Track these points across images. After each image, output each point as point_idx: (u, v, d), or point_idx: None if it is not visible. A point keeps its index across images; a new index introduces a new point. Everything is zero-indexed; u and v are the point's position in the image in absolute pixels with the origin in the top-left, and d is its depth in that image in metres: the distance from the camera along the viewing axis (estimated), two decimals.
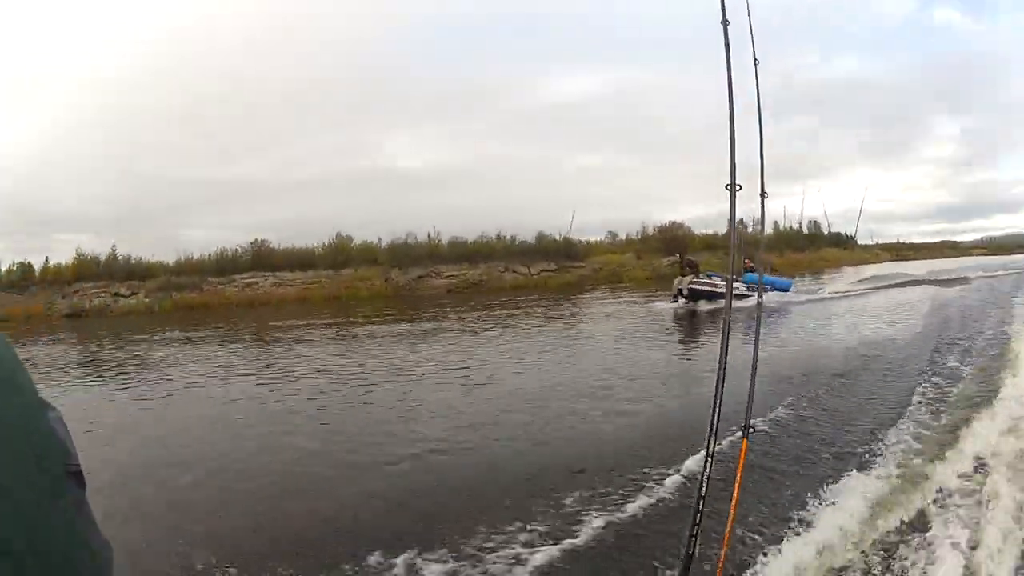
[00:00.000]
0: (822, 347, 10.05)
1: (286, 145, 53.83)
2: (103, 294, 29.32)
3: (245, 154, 52.00)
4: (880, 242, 44.04)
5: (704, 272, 17.61)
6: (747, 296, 15.03)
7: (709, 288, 16.52)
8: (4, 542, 0.36)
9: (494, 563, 3.12)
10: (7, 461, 0.39)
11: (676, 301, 16.78)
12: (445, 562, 3.20)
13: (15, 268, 35.09)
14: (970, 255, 38.66)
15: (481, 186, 48.79)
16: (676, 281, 17.46)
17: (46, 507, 0.40)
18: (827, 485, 3.80)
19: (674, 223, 33.43)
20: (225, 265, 29.48)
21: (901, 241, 47.54)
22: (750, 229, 35.54)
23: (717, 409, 1.77)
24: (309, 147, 51.98)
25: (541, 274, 30.01)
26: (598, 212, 56.02)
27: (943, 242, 50.23)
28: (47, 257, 35.11)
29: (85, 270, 31.31)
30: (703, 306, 16.10)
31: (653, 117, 56.82)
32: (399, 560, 3.23)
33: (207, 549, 3.50)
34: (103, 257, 30.97)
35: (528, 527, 3.46)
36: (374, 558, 3.30)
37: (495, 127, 52.16)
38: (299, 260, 29.66)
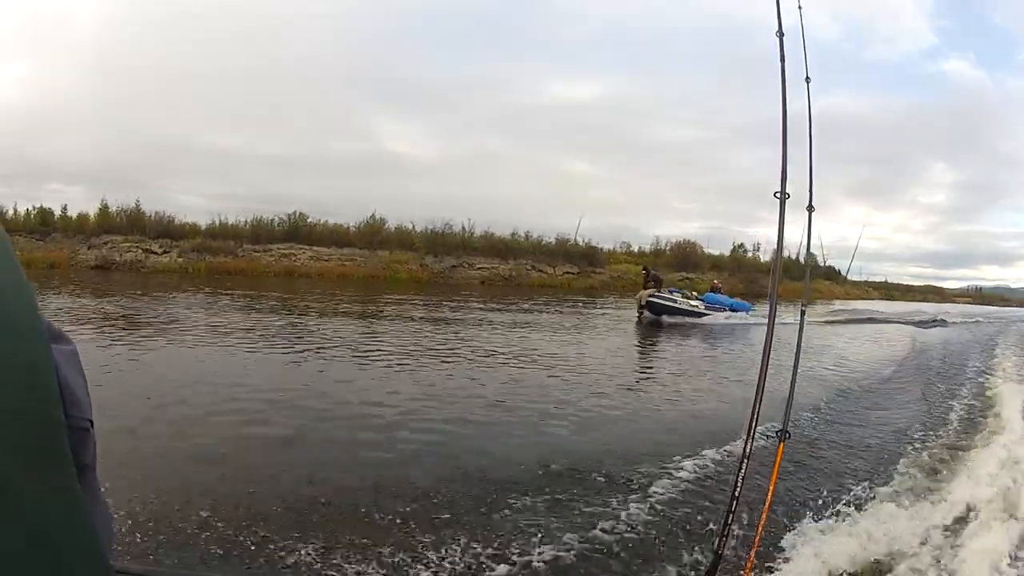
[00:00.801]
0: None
1: (285, 120, 54.09)
2: (134, 249, 29.38)
3: (241, 126, 51.98)
4: (869, 279, 47.54)
5: (666, 287, 18.19)
6: (705, 314, 17.08)
7: (668, 303, 16.97)
8: None
9: (518, 548, 3.10)
10: None
11: (641, 314, 17.18)
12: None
13: (34, 213, 34.61)
14: (955, 302, 42.21)
15: (475, 180, 50.08)
16: (638, 295, 17.77)
17: (34, 484, 0.29)
18: (854, 492, 3.88)
19: (687, 241, 35.76)
20: (260, 233, 30.05)
21: (888, 281, 49.55)
22: (753, 254, 37.96)
23: (756, 413, 1.82)
24: (305, 124, 52.41)
25: (564, 275, 31.81)
26: (594, 217, 58.17)
27: (927, 286, 52.40)
28: (65, 205, 34.79)
29: (110, 223, 31.24)
30: (666, 319, 16.52)
31: (652, 126, 58.80)
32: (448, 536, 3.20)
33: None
34: (120, 210, 31.04)
35: (556, 515, 3.48)
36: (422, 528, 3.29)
37: (493, 123, 53.52)
38: (333, 236, 30.49)
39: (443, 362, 8.76)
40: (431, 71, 55.79)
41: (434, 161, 49.01)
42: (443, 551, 3.06)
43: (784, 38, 1.96)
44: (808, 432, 5.53)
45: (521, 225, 35.88)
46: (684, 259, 34.80)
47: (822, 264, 38.10)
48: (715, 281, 22.62)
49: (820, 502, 3.70)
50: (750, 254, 38.31)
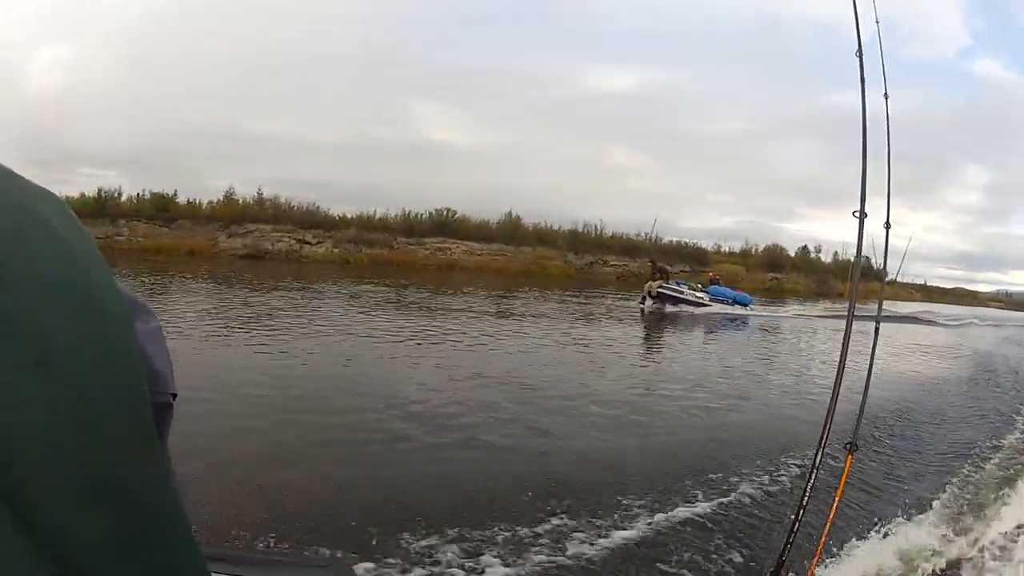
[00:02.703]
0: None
1: (324, 107, 54.02)
2: (286, 239, 29.54)
3: (280, 111, 51.68)
4: (901, 280, 52.12)
5: (673, 280, 19.36)
6: (708, 305, 18.02)
7: (675, 294, 18.05)
8: (64, 527, 0.26)
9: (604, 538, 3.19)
10: (69, 397, 0.27)
11: (644, 303, 17.90)
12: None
13: (146, 197, 33.77)
14: (987, 306, 43.76)
15: (514, 168, 51.66)
16: (646, 285, 18.57)
17: (126, 462, 0.29)
18: (916, 504, 3.82)
19: (776, 245, 39.31)
20: (411, 227, 30.93)
21: (922, 283, 48.50)
22: (816, 255, 41.19)
23: (829, 423, 1.81)
24: (346, 112, 52.58)
25: (681, 273, 34.55)
26: (631, 209, 60.97)
27: (959, 288, 52.18)
28: (175, 190, 34.13)
29: (243, 211, 31.17)
30: (669, 308, 17.52)
31: (688, 119, 61.28)
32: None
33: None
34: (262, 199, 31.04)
35: (634, 510, 3.53)
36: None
37: (534, 112, 55.04)
38: (480, 232, 31.82)
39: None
40: (474, 60, 56.54)
41: (476, 149, 50.16)
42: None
43: (863, 54, 1.91)
44: (872, 440, 5.30)
45: (556, 213, 37.81)
46: (772, 261, 38.25)
47: (874, 267, 42.26)
48: (712, 274, 23.39)
49: (881, 513, 3.59)
50: (812, 255, 42.19)
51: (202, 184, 49.57)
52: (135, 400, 0.30)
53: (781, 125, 59.69)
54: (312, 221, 30.15)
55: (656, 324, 15.05)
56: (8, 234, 0.26)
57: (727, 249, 39.74)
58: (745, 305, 19.30)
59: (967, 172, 69.61)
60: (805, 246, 41.53)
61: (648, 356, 10.48)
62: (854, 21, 1.89)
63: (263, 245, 29.28)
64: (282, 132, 48.27)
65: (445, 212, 31.16)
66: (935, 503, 3.91)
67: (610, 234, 33.64)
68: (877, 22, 1.99)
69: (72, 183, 40.70)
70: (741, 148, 54.25)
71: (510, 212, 32.44)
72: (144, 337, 0.33)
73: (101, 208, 34.16)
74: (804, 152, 56.58)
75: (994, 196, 69.18)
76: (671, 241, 35.72)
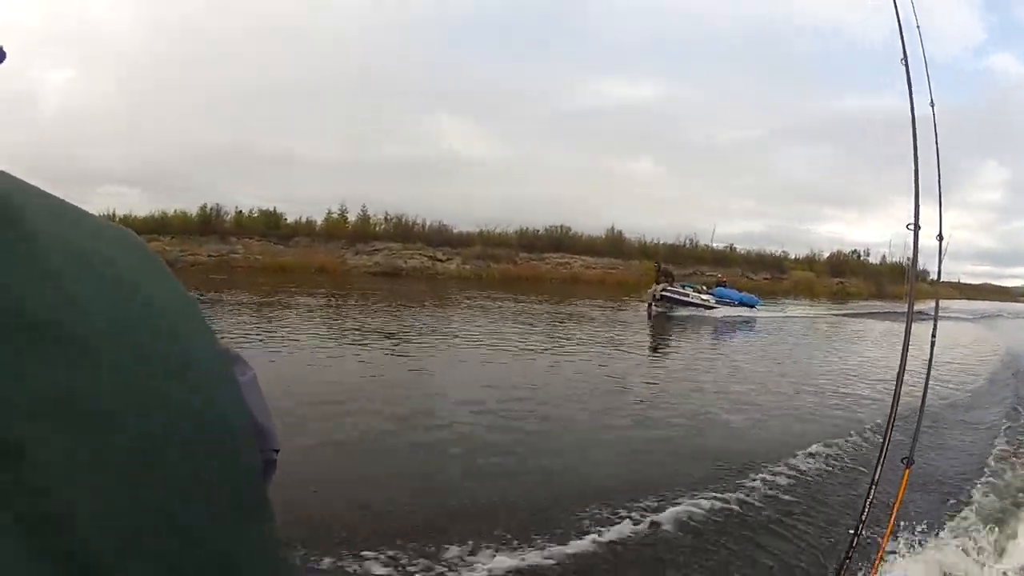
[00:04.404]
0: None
1: (341, 126, 55.02)
2: (418, 256, 30.76)
3: (303, 132, 52.70)
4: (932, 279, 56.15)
5: (678, 283, 19.07)
6: (715, 308, 17.73)
7: (680, 297, 17.82)
8: None
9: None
10: (172, 465, 0.24)
11: (650, 305, 17.72)
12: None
13: (254, 215, 34.31)
14: (1019, 301, 45.97)
15: (534, 180, 53.52)
16: (650, 289, 18.40)
17: (229, 536, 0.26)
18: (972, 520, 3.63)
19: (841, 252, 42.58)
20: (527, 242, 32.62)
21: (956, 281, 48.61)
22: (863, 258, 44.38)
23: (888, 438, 1.76)
24: (366, 129, 53.73)
25: (764, 280, 37.37)
26: (658, 217, 62.92)
27: (988, 284, 54.42)
28: (274, 206, 34.79)
29: (367, 230, 32.24)
30: (677, 311, 17.34)
31: (707, 126, 63.62)
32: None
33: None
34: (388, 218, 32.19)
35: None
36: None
37: (552, 125, 56.99)
38: (586, 246, 33.80)
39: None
40: (489, 74, 58.06)
41: (495, 163, 51.89)
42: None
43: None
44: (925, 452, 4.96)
45: (586, 223, 39.67)
46: (837, 267, 41.51)
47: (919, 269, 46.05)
48: (720, 276, 23.45)
49: (937, 528, 3.46)
50: (863, 258, 45.60)
51: (234, 201, 50.01)
52: (242, 462, 0.28)
53: (801, 129, 62.54)
54: (441, 239, 31.45)
55: (663, 327, 14.88)
56: (89, 300, 0.23)
57: (794, 256, 42.57)
58: (752, 306, 19.15)
59: (986, 169, 69.44)
60: (855, 251, 45.17)
61: (655, 359, 10.19)
62: (898, 29, 1.88)
63: (396, 263, 30.43)
64: (308, 151, 49.02)
65: (560, 228, 32.96)
66: (984, 515, 3.76)
67: (703, 245, 36.01)
68: (918, 27, 1.96)
69: (90, 202, 40.91)
70: (765, 153, 56.67)
71: (612, 227, 34.50)
72: (244, 388, 0.31)
73: (206, 225, 34.56)
74: (827, 154, 59.52)
75: (1015, 193, 69.94)
76: (748, 251, 38.31)
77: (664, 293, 17.72)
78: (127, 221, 37.20)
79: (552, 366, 8.33)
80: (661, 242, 35.47)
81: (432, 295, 20.76)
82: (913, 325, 1.86)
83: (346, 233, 32.10)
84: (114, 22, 52.85)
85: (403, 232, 31.59)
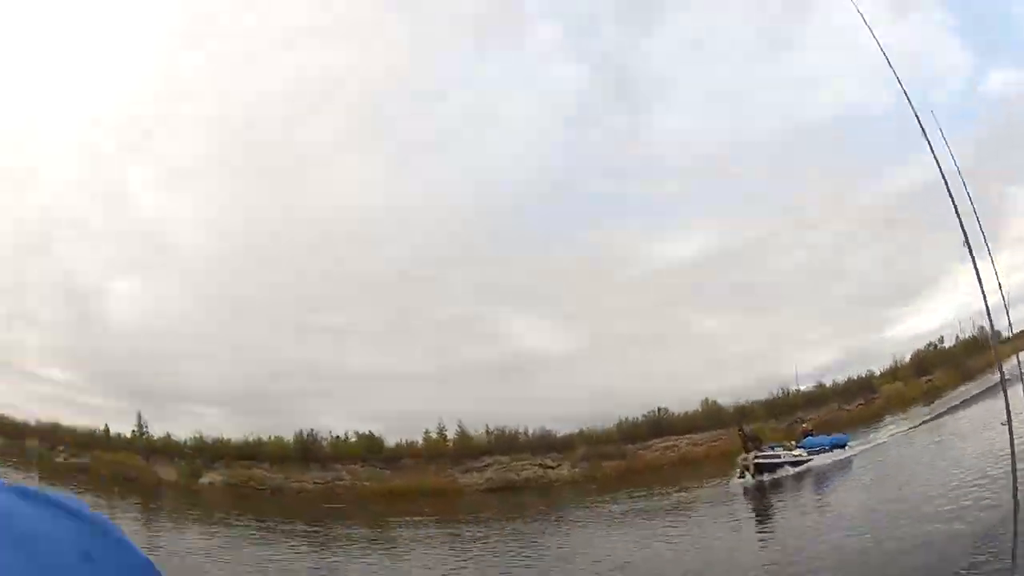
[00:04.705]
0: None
1: (403, 337, 55.78)
2: (529, 466, 30.84)
3: (363, 345, 53.57)
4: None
5: (766, 444, 19.06)
6: (809, 460, 17.39)
7: (773, 460, 17.68)
8: None
9: None
10: None
11: (743, 477, 17.55)
12: None
13: (351, 439, 34.64)
14: None
15: (602, 364, 53.29)
16: (740, 459, 18.31)
17: None
18: None
19: (919, 350, 42.20)
20: (628, 433, 32.69)
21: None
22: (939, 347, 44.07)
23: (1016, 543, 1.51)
24: (432, 337, 54.25)
25: (859, 407, 37.01)
26: (744, 372, 61.45)
27: None
28: (369, 429, 35.09)
29: (467, 445, 32.48)
30: (767, 476, 16.97)
31: (765, 261, 62.61)
32: None
33: None
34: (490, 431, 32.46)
35: None
36: None
37: (612, 299, 56.93)
38: (686, 424, 33.80)
39: None
40: (543, 262, 58.46)
41: (567, 352, 51.86)
42: None
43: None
44: None
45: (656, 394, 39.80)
46: (920, 366, 41.06)
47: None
48: (804, 425, 23.10)
49: None
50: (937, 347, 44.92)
51: (303, 419, 50.48)
52: None
53: (840, 234, 61.74)
54: (546, 445, 31.59)
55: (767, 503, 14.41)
56: None
57: (878, 371, 41.86)
58: (843, 446, 18.81)
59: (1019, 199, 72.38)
60: (931, 343, 44.84)
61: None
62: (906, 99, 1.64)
63: (509, 476, 30.48)
64: (371, 366, 49.56)
65: (657, 411, 33.08)
66: None
67: (793, 391, 35.95)
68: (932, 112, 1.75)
69: (170, 419, 41.42)
70: (811, 279, 56.49)
71: (706, 399, 34.62)
72: None
73: (304, 453, 34.91)
74: (871, 253, 58.69)
75: None
76: (836, 382, 38.11)
77: (757, 461, 17.53)
78: (222, 445, 37.64)
79: None
80: (753, 401, 35.39)
81: (556, 508, 20.67)
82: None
83: (449, 451, 32.30)
84: (178, 231, 54.63)
85: (507, 443, 31.75)
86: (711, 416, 34.02)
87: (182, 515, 19.11)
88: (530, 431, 32.17)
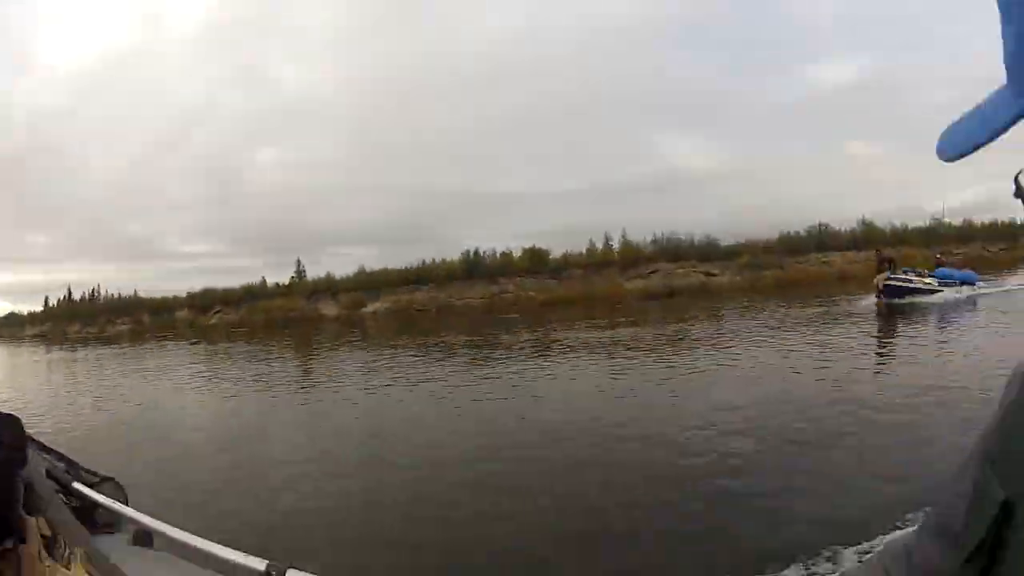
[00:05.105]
0: None
1: (555, 158, 57.54)
2: (693, 273, 33.22)
3: (515, 169, 55.78)
4: None
5: (901, 268, 18.17)
6: (939, 291, 16.87)
7: (905, 284, 17.11)
8: None
9: None
10: None
11: (879, 298, 17.15)
12: None
13: (517, 254, 37.66)
14: None
15: (753, 183, 54.01)
16: (876, 279, 17.71)
17: None
18: None
19: None
20: (790, 245, 34.37)
21: None
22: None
23: None
24: (570, 157, 55.84)
25: (1001, 251, 37.51)
26: (880, 200, 60.21)
27: None
28: (533, 243, 37.93)
29: (633, 254, 35.03)
30: (898, 302, 16.48)
31: (916, 94, 58.31)
32: None
33: None
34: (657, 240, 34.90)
35: None
36: None
37: (766, 124, 57.22)
38: (846, 241, 35.15)
39: None
40: (701, 83, 58.92)
41: (718, 170, 52.76)
42: None
43: None
44: None
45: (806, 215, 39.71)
46: None
47: None
48: (939, 255, 22.50)
49: None
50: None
51: (457, 245, 53.49)
52: None
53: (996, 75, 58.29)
54: (710, 254, 33.74)
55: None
56: None
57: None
58: (973, 284, 18.24)
59: None
60: None
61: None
62: None
63: (672, 282, 32.95)
64: (521, 188, 52.08)
65: (819, 227, 34.60)
66: None
67: (946, 222, 36.69)
68: None
69: (320, 264, 45.81)
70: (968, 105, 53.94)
71: (862, 218, 35.78)
72: None
73: (470, 271, 38.21)
74: None
75: None
76: (983, 222, 38.54)
77: (888, 282, 17.24)
78: (384, 275, 41.43)
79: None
80: (910, 227, 36.39)
81: (712, 308, 22.47)
82: None
83: (615, 260, 34.88)
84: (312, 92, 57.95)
85: (672, 251, 34.03)
86: (869, 236, 35.34)
87: (340, 342, 20.11)
88: (695, 240, 34.37)
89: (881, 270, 17.76)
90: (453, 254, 39.64)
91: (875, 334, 12.70)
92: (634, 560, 3.44)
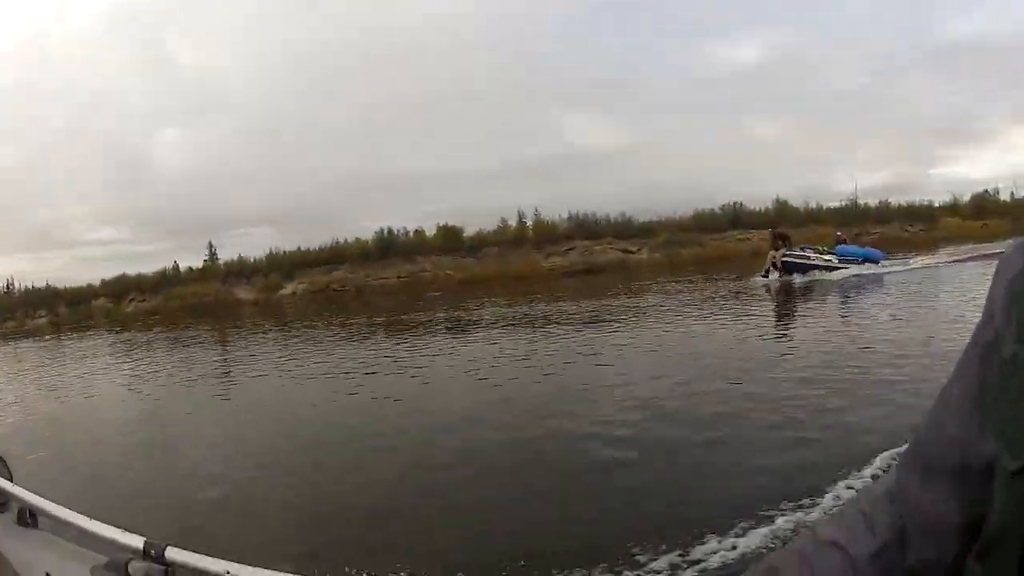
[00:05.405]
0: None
1: (451, 136, 56.41)
2: (611, 249, 32.14)
3: (412, 147, 54.46)
4: None
5: (797, 245, 17.62)
6: (839, 268, 16.13)
7: (802, 260, 16.48)
8: None
9: None
10: None
11: (767, 276, 16.54)
12: None
13: (431, 233, 35.88)
14: None
15: (660, 161, 53.35)
16: (769, 255, 17.17)
17: None
18: None
19: (979, 194, 42.74)
20: (705, 223, 33.74)
21: None
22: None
23: None
24: (477, 137, 54.98)
25: (920, 232, 37.98)
26: (787, 181, 60.18)
27: None
28: (445, 222, 36.26)
29: (549, 232, 33.72)
30: (798, 279, 15.88)
31: (821, 75, 57.90)
32: None
33: None
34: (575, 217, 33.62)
35: None
36: None
37: (668, 102, 56.07)
38: (758, 220, 34.74)
39: None
40: (600, 63, 57.87)
41: (618, 150, 51.86)
42: None
43: None
44: None
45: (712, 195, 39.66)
46: (980, 209, 41.70)
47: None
48: (838, 232, 21.49)
49: None
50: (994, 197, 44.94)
51: (363, 226, 51.59)
52: None
53: (902, 66, 59.07)
54: (628, 231, 32.73)
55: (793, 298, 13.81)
56: None
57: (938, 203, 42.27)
58: (876, 262, 17.32)
59: None
60: (986, 190, 45.17)
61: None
62: None
63: (592, 259, 31.81)
64: (427, 167, 50.44)
65: (733, 205, 34.05)
66: None
67: (864, 204, 36.76)
68: None
69: (223, 246, 43.61)
70: (869, 99, 54.31)
71: (777, 197, 35.47)
72: None
73: (385, 250, 36.25)
74: (929, 91, 56.33)
75: None
76: (900, 203, 38.89)
77: (785, 259, 16.54)
78: (299, 256, 39.14)
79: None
80: (824, 207, 36.26)
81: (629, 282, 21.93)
82: None
83: (530, 238, 33.50)
84: (213, 73, 55.13)
85: (588, 229, 32.89)
86: (783, 214, 35.02)
87: (258, 327, 19.03)
88: (611, 218, 33.31)
89: (776, 247, 17.14)
90: (360, 235, 37.66)
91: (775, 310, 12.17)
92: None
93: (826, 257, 16.84)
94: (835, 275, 16.09)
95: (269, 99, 53.09)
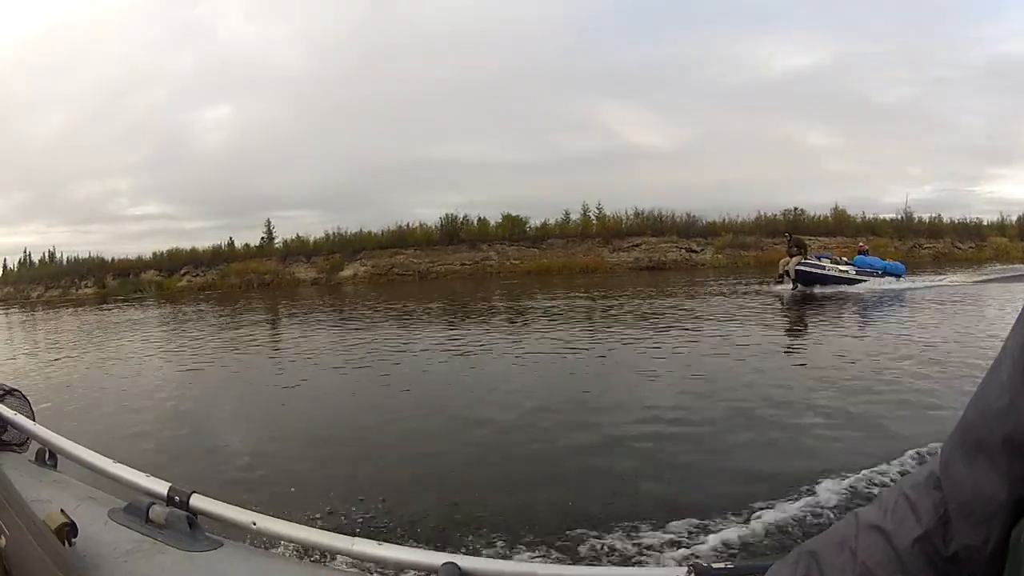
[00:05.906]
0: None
1: (502, 127, 57.13)
2: (675, 249, 33.15)
3: (460, 136, 55.40)
4: None
5: (812, 253, 17.01)
6: (858, 280, 15.48)
7: (817, 271, 15.87)
8: None
9: None
10: None
11: (781, 283, 15.99)
12: None
13: (497, 221, 36.87)
14: None
15: (710, 163, 53.71)
16: (781, 263, 16.60)
17: None
18: None
19: None
20: (767, 228, 34.67)
21: None
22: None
23: None
24: (525, 128, 55.65)
25: (970, 249, 38.76)
26: (833, 191, 60.36)
27: None
28: (517, 213, 37.28)
29: (614, 226, 34.76)
30: (817, 290, 15.31)
31: (876, 88, 56.35)
32: None
33: None
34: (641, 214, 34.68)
35: None
36: None
37: (718, 103, 56.18)
38: (819, 226, 35.63)
39: None
40: (651, 54, 58.17)
41: (664, 148, 52.38)
42: None
43: None
44: None
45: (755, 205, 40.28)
46: None
47: None
48: (861, 243, 21.04)
49: None
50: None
51: (407, 213, 52.71)
52: None
53: (952, 80, 58.90)
54: (693, 230, 33.73)
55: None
56: None
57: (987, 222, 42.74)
58: (898, 276, 16.55)
59: None
60: None
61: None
62: None
63: (656, 256, 32.85)
64: (470, 156, 51.36)
65: (794, 210, 35.00)
66: None
67: (918, 219, 37.58)
68: None
69: (256, 227, 44.82)
70: (919, 112, 53.78)
71: (836, 206, 36.36)
72: None
73: (450, 236, 37.27)
74: (977, 108, 56.25)
75: None
76: (953, 219, 39.60)
77: (799, 268, 15.84)
78: (361, 238, 40.08)
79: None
80: (880, 217, 37.13)
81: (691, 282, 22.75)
82: None
83: (596, 231, 34.55)
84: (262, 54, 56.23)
85: (654, 225, 33.91)
86: (840, 222, 35.94)
87: (317, 308, 19.45)
88: (676, 216, 34.31)
89: (791, 254, 16.42)
90: (413, 221, 38.69)
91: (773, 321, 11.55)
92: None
93: (842, 268, 16.27)
94: (855, 288, 15.49)
95: (319, 76, 53.95)
